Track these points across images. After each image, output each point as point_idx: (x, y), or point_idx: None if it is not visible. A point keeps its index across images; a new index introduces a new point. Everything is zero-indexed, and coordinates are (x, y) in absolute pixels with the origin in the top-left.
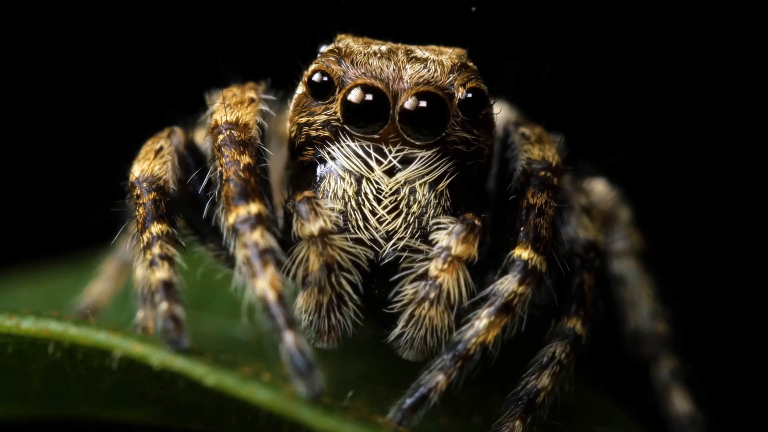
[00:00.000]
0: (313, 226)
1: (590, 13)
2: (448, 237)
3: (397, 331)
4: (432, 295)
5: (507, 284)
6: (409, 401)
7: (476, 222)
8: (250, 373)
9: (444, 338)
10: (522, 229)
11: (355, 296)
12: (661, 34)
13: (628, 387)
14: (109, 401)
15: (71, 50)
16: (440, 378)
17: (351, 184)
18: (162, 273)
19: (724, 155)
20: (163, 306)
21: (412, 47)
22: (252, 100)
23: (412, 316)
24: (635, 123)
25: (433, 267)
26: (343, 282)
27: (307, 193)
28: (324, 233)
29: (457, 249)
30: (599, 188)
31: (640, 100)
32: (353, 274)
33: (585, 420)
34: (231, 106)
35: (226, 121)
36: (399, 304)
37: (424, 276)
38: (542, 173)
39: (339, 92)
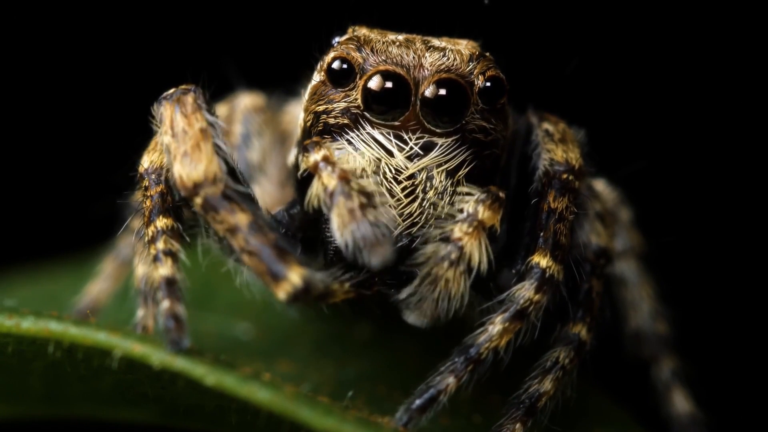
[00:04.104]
0: (317, 154)
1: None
2: (474, 204)
3: (409, 289)
4: (453, 255)
5: (523, 291)
6: (418, 402)
7: (500, 194)
8: (250, 373)
9: (455, 306)
10: (542, 234)
11: (381, 191)
12: (666, 37)
13: (628, 387)
14: (109, 401)
15: (71, 49)
16: (450, 380)
17: (369, 164)
18: (165, 270)
19: (724, 155)
20: (165, 304)
21: (428, 38)
22: (203, 131)
23: (428, 274)
24: (630, 122)
25: (458, 229)
26: (365, 183)
27: (315, 138)
28: (327, 158)
29: (484, 214)
30: (599, 189)
31: (639, 101)
32: (372, 176)
33: (585, 420)
34: (189, 155)
35: (195, 183)
36: (418, 261)
37: (445, 239)
38: (564, 176)
39: (360, 79)
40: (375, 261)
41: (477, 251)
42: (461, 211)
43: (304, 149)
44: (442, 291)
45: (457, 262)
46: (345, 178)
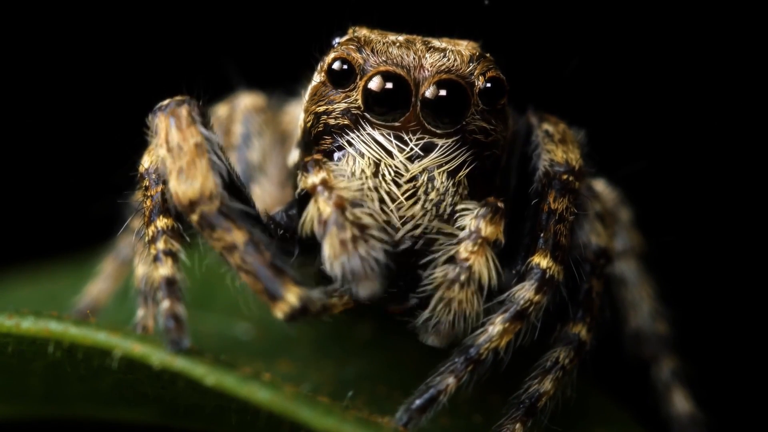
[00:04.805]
0: (316, 177)
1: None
2: (476, 220)
3: (425, 314)
4: (463, 277)
5: (523, 292)
6: (418, 402)
7: (499, 204)
8: (250, 373)
9: (471, 324)
10: (542, 235)
11: (376, 224)
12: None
13: (628, 387)
14: (109, 401)
15: (71, 49)
16: (450, 380)
17: (369, 165)
18: (165, 270)
19: (724, 155)
20: (165, 304)
21: (428, 38)
22: (198, 146)
23: (441, 299)
24: (630, 122)
25: (463, 249)
26: (360, 214)
27: (316, 156)
28: (326, 182)
29: (487, 230)
30: (599, 189)
31: (639, 101)
32: (367, 205)
33: (585, 420)
34: (184, 172)
35: (191, 201)
36: (429, 287)
37: (452, 260)
38: (564, 177)
39: (360, 79)
40: (363, 293)
41: (485, 268)
42: (462, 228)
43: (303, 167)
44: (457, 313)
45: (468, 283)
46: (341, 206)
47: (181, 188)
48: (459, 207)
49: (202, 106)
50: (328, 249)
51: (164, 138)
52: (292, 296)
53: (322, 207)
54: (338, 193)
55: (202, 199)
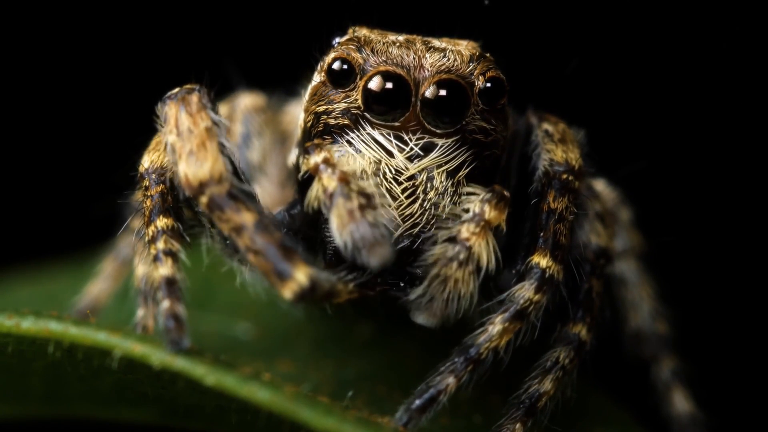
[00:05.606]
0: (318, 157)
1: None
2: (480, 203)
3: (418, 290)
4: (462, 256)
5: (523, 291)
6: (418, 402)
7: (505, 193)
8: (250, 373)
9: (464, 306)
10: (542, 234)
11: (380, 194)
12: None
13: (628, 387)
14: (109, 401)
15: (72, 49)
16: (450, 380)
17: (369, 165)
18: (165, 269)
19: (724, 155)
20: (165, 304)
21: (428, 38)
22: (209, 130)
23: (437, 275)
24: (630, 122)
25: (465, 229)
26: (365, 185)
27: (316, 141)
28: (328, 160)
29: (490, 214)
30: (599, 189)
31: (639, 101)
32: (372, 178)
33: (585, 420)
34: (194, 154)
35: (200, 182)
36: (426, 263)
37: (452, 239)
38: (564, 176)
39: (360, 79)
40: (374, 261)
41: (485, 251)
42: (467, 210)
43: (304, 151)
44: (452, 291)
45: (466, 263)
46: (345, 179)
47: (191, 170)
48: (465, 189)
49: (211, 94)
50: (336, 220)
51: (174, 124)
52: (301, 275)
53: (326, 182)
54: (341, 168)
55: (212, 181)
